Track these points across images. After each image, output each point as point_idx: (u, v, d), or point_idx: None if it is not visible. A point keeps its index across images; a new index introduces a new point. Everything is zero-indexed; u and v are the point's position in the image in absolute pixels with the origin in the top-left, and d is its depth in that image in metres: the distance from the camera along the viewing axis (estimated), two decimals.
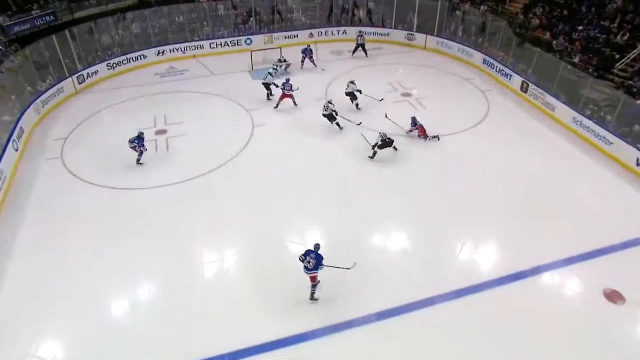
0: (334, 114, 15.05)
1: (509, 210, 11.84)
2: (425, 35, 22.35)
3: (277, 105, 16.75)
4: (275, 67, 19.28)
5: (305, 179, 13.14)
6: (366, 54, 21.38)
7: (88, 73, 19.16)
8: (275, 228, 11.29)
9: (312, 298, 9.13)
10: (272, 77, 17.40)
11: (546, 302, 9.36)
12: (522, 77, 17.81)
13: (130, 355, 8.40)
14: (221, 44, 22.30)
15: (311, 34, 23.23)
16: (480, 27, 20.56)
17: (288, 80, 16.52)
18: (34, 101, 16.49)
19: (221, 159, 13.94)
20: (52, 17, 20.05)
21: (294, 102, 16.81)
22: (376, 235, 11.22)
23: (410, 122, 14.81)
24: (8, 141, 13.90)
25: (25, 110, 15.82)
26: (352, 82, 16.39)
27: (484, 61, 19.92)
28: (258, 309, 9.15)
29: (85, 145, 15.02)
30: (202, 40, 22.11)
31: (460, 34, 21.44)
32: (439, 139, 14.76)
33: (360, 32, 21.82)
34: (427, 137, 14.72)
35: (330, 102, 15.14)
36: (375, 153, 13.75)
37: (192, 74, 20.24)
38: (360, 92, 16.29)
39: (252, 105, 16.93)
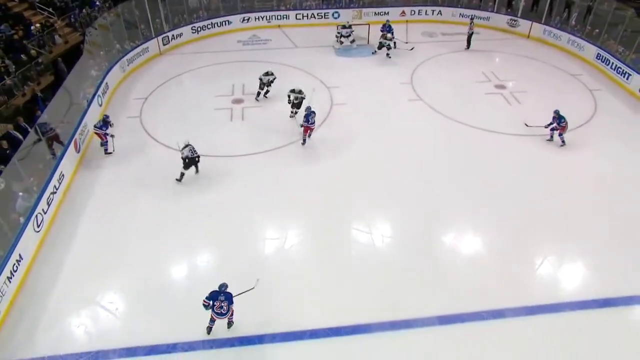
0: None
1: (601, 229, 11.09)
2: (530, 22, 21.38)
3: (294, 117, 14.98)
4: (339, 33, 19.22)
5: (385, 163, 13.11)
6: (469, 45, 20.19)
7: (173, 35, 20.29)
8: (345, 214, 11.38)
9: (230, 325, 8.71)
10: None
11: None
12: None
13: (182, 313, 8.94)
14: (307, 15, 22.67)
15: (403, 12, 22.99)
16: (601, 17, 18.93)
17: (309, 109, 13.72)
18: (120, 59, 17.76)
19: (295, 135, 14.21)
20: None
21: (306, 137, 13.84)
22: (449, 235, 11.07)
23: (552, 117, 13.62)
24: (93, 96, 14.99)
25: (112, 67, 17.04)
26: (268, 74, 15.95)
27: (598, 56, 18.63)
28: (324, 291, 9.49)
29: (163, 107, 15.94)
30: (288, 10, 22.62)
31: (573, 22, 20.10)
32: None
33: (472, 18, 20.84)
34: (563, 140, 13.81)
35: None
36: (182, 175, 12.25)
37: (274, 44, 20.86)
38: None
39: (333, 82, 17.05)
